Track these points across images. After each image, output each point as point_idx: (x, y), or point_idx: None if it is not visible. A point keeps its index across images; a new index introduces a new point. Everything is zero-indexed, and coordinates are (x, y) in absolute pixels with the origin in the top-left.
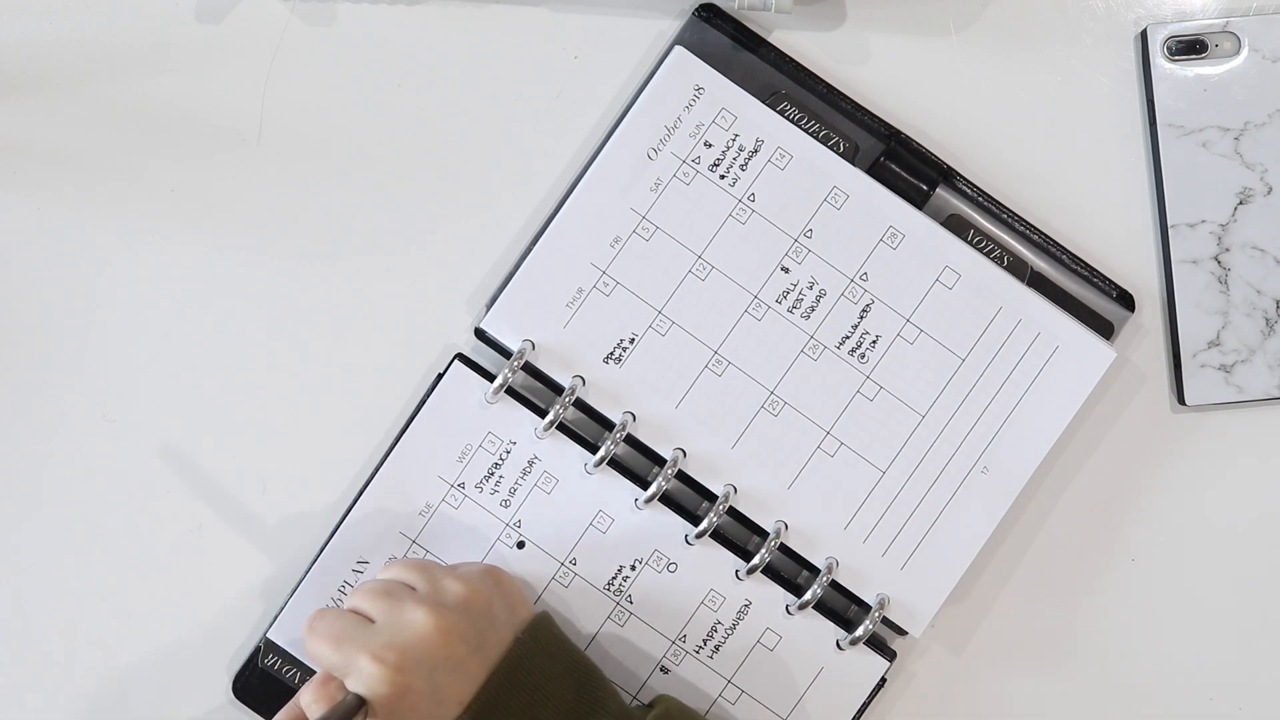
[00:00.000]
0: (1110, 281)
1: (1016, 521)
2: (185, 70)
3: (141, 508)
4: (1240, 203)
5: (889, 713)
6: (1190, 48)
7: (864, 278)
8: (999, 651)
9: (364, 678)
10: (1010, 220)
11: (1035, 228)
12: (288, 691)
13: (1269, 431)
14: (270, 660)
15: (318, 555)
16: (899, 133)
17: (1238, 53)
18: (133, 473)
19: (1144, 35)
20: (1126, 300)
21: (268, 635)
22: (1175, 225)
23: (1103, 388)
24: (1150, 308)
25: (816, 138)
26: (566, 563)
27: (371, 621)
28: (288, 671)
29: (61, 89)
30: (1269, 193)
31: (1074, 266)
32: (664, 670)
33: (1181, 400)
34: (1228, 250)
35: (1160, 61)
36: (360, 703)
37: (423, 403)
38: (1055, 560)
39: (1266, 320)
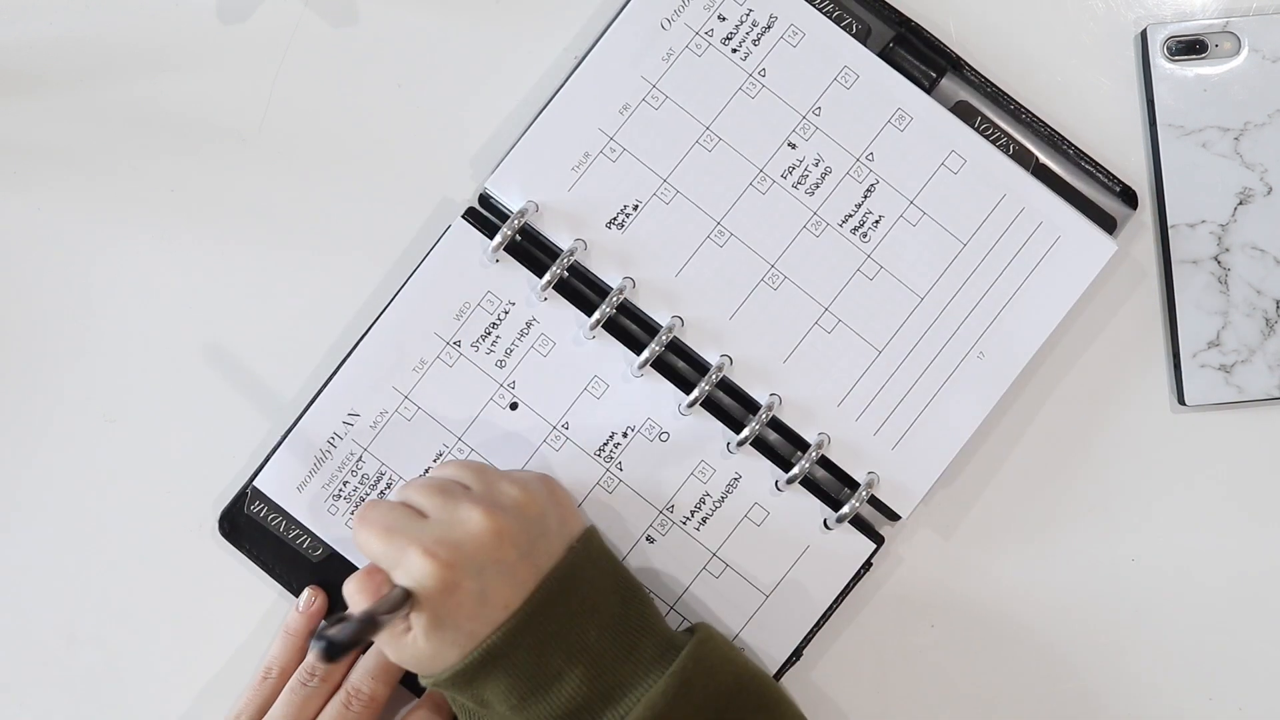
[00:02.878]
0: (1113, 177)
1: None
2: (185, 70)
3: (141, 508)
4: (1240, 203)
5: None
6: (1190, 48)
7: (870, 158)
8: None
9: (413, 572)
10: (1017, 111)
11: (1042, 120)
12: (273, 539)
13: (1269, 431)
14: (256, 507)
15: (309, 404)
16: (910, 20)
17: (1238, 53)
18: (133, 473)
19: (1144, 36)
20: (1129, 197)
21: (254, 484)
22: (1175, 225)
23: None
24: (1151, 207)
25: (830, 17)
26: (559, 426)
27: (424, 516)
28: (273, 519)
29: (61, 89)
30: (1269, 193)
31: (1079, 161)
32: (649, 540)
33: (1181, 400)
34: (1228, 250)
35: (1160, 62)
36: (407, 596)
37: (425, 259)
38: (1056, 560)
39: (1266, 320)
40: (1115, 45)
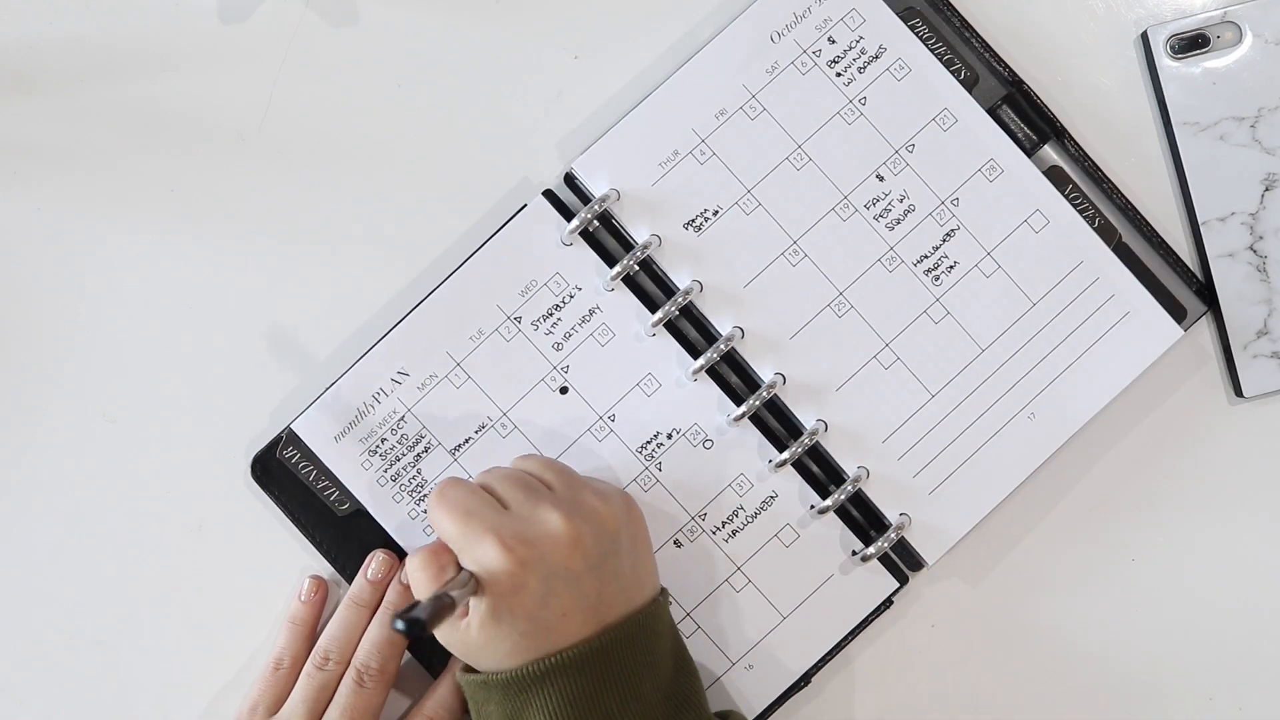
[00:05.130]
0: (1192, 274)
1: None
2: (185, 70)
3: (141, 508)
4: (1266, 189)
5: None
6: (1193, 43)
7: (955, 203)
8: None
9: (484, 561)
10: (1110, 190)
11: (1133, 205)
12: (302, 488)
13: None
14: (289, 453)
15: (360, 358)
16: (1022, 82)
17: (1240, 41)
18: (133, 473)
19: (1145, 38)
20: (1206, 296)
21: (291, 427)
22: (1206, 221)
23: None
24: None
25: (940, 59)
26: (605, 417)
27: (504, 507)
28: (304, 467)
29: (61, 89)
30: None
31: (1161, 250)
32: (677, 544)
33: (1239, 392)
34: (1261, 238)
35: (1166, 61)
36: (475, 582)
37: (499, 231)
38: (1062, 559)
39: None
40: (1117, 47)
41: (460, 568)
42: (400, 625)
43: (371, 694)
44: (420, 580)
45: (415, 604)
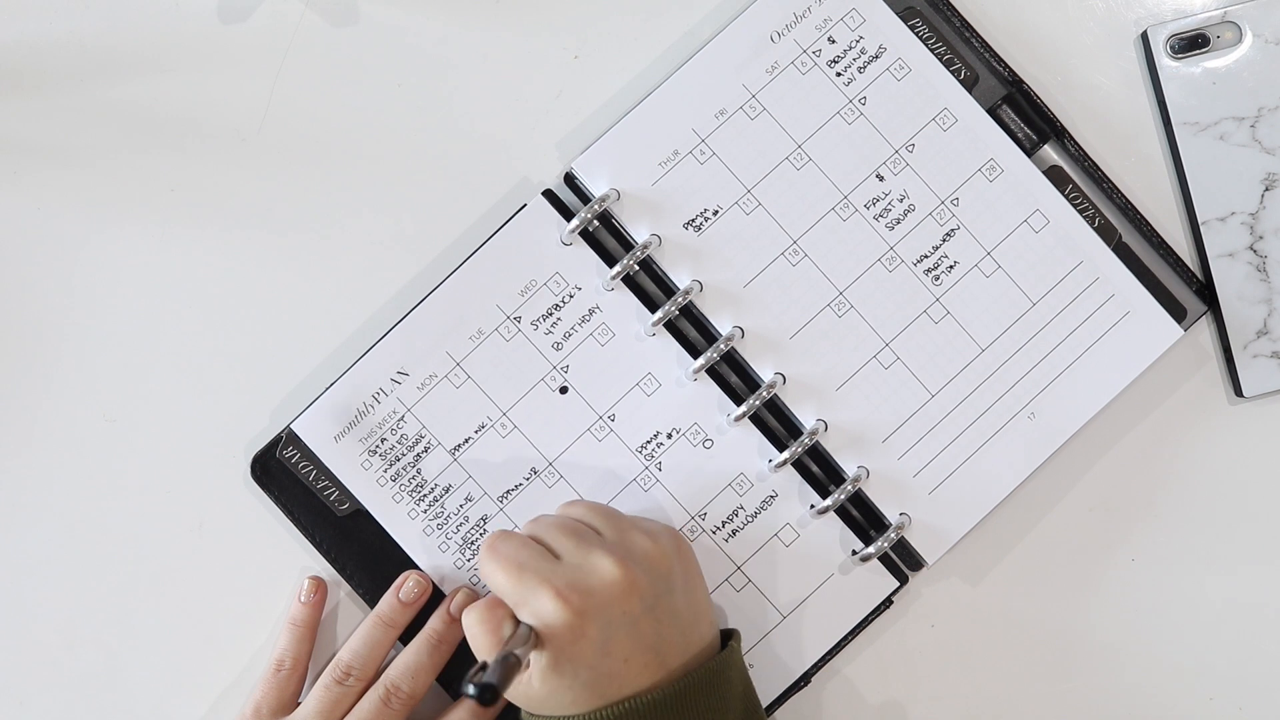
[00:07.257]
0: (1192, 274)
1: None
2: (185, 70)
3: (141, 508)
4: (1266, 189)
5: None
6: (1193, 43)
7: (955, 203)
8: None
9: (542, 613)
10: (1110, 190)
11: (1133, 205)
12: (302, 488)
13: None
14: (289, 453)
15: (360, 358)
16: (1022, 81)
17: (1240, 41)
18: (133, 472)
19: (1145, 38)
20: (1206, 296)
21: (291, 427)
22: (1206, 221)
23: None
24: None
25: (940, 59)
26: (605, 417)
27: (555, 557)
28: (304, 467)
29: (61, 89)
30: None
31: (1161, 250)
32: None
33: (1239, 392)
34: (1261, 238)
35: (1165, 61)
36: (534, 635)
37: (499, 231)
38: (1062, 559)
39: None
40: (1117, 47)
41: (517, 621)
42: (473, 691)
43: (396, 715)
44: (478, 636)
45: (482, 666)
